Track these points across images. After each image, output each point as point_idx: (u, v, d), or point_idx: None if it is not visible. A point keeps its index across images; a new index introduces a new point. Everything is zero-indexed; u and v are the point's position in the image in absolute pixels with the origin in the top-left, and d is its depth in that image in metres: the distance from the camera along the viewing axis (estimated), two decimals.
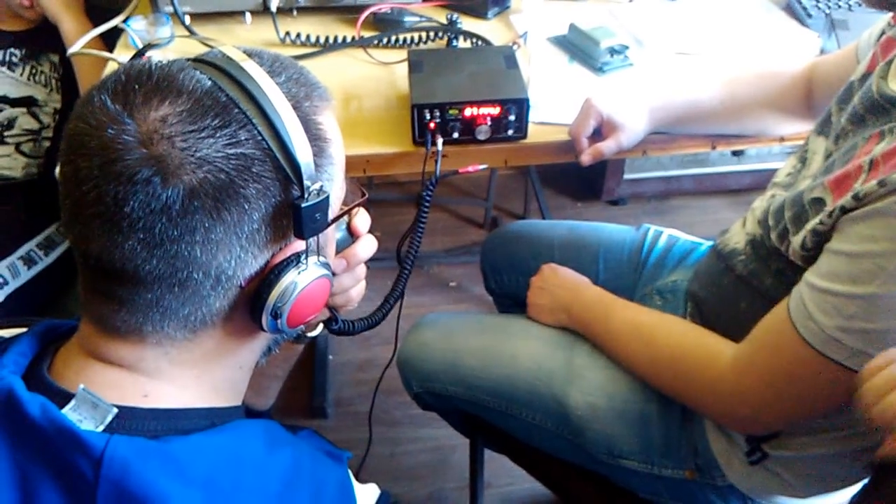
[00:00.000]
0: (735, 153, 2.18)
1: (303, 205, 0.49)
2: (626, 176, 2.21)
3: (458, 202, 2.27)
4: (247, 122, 0.47)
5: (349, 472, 0.56)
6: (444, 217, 2.23)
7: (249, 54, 0.52)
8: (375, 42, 1.26)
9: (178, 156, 0.45)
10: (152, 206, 0.45)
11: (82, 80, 1.29)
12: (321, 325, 0.76)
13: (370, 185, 2.30)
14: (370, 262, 0.78)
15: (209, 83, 0.48)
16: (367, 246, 0.70)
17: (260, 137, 0.48)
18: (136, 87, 0.47)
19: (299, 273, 0.52)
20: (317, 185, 0.50)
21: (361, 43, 1.26)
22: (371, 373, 1.76)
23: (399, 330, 1.10)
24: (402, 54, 1.21)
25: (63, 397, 0.48)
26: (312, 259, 0.53)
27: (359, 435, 1.62)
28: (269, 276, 0.51)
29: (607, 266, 1.12)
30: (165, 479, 0.45)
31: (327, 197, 0.51)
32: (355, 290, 0.74)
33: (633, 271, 1.10)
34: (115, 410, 0.48)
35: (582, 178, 2.32)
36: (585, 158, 1.01)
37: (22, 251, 1.28)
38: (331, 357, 1.78)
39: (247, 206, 0.47)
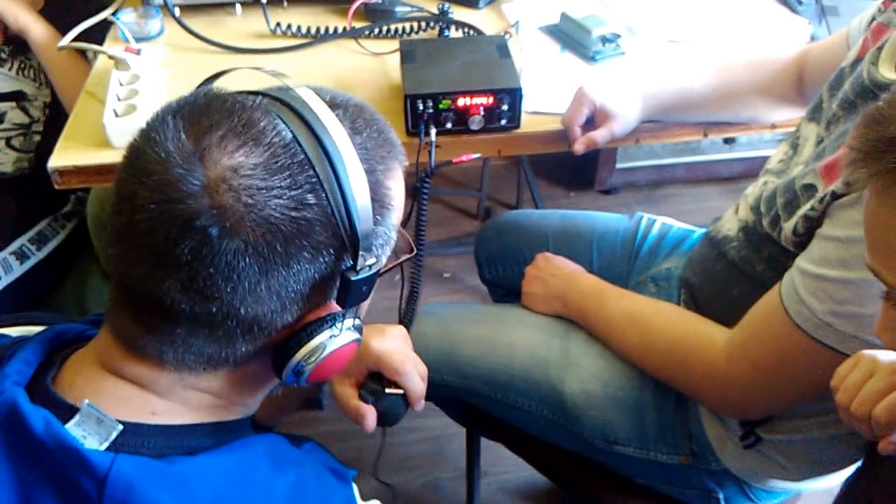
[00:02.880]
0: (726, 141, 2.18)
1: (352, 277, 0.48)
2: (619, 165, 2.21)
3: (451, 193, 2.27)
4: (318, 186, 0.46)
5: (354, 489, 0.55)
6: (437, 208, 2.23)
7: (334, 105, 0.50)
8: (367, 32, 1.26)
9: (242, 211, 0.44)
10: (203, 255, 0.44)
11: (61, 77, 1.27)
12: None
13: None
14: None
15: (289, 136, 0.46)
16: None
17: (326, 203, 0.46)
18: (212, 124, 0.46)
19: (331, 336, 0.51)
20: (371, 261, 0.49)
21: (353, 34, 1.25)
22: None
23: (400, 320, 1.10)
24: (394, 44, 1.20)
25: (67, 411, 0.47)
26: (347, 323, 0.52)
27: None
28: (300, 333, 0.50)
29: (601, 254, 1.12)
30: (170, 501, 0.44)
31: (377, 273, 0.50)
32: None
33: (627, 259, 1.11)
34: (120, 427, 0.47)
35: (574, 167, 2.32)
36: (578, 147, 1.01)
37: (13, 246, 1.27)
38: None
39: (297, 268, 0.47)
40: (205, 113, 0.46)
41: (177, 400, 0.51)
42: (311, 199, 0.46)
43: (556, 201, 2.26)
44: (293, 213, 0.45)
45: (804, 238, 0.72)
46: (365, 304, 0.59)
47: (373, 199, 0.49)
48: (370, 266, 0.49)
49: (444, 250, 2.08)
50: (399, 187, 0.54)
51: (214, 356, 0.49)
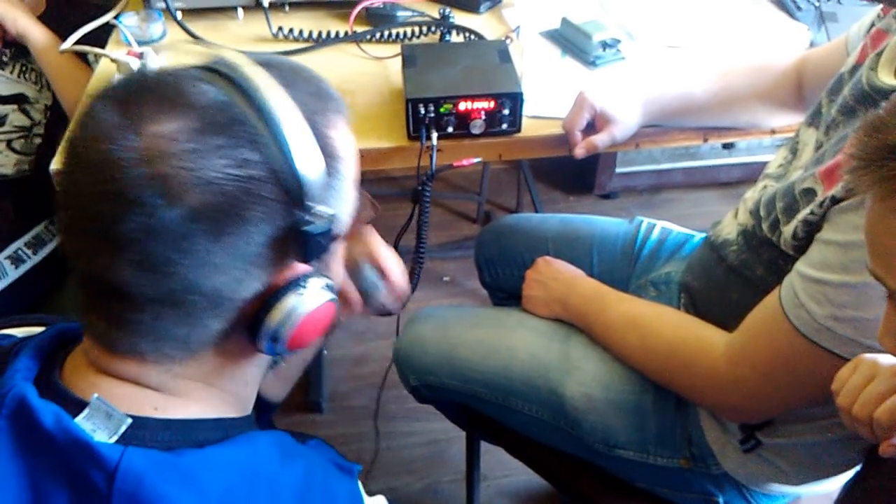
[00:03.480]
0: (725, 146, 2.19)
1: (308, 229, 0.47)
2: (618, 170, 2.22)
3: (451, 197, 2.28)
4: (257, 141, 0.45)
5: (359, 484, 0.55)
6: (436, 212, 2.23)
7: (265, 64, 0.49)
8: (368, 37, 1.26)
9: (182, 177, 0.43)
10: (151, 228, 0.44)
11: (60, 81, 1.27)
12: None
13: (362, 180, 2.30)
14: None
15: (221, 97, 0.46)
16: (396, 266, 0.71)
17: (268, 158, 0.45)
18: (143, 97, 0.45)
19: (301, 297, 0.49)
20: (324, 208, 0.48)
21: (354, 38, 1.26)
22: (366, 368, 1.77)
23: (399, 325, 1.11)
24: (395, 49, 1.21)
25: (76, 405, 0.47)
26: (315, 282, 0.50)
27: (354, 430, 1.63)
28: (268, 299, 0.49)
29: (601, 258, 1.13)
30: (180, 494, 0.44)
31: (334, 220, 0.49)
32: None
33: (627, 263, 1.11)
34: (130, 421, 0.47)
35: (573, 172, 2.32)
36: (579, 152, 1.01)
37: (9, 250, 1.27)
38: (325, 352, 1.79)
39: (250, 229, 0.46)
40: (132, 89, 0.46)
41: (173, 393, 0.50)
42: (251, 154, 0.45)
43: (555, 205, 2.26)
44: (235, 171, 0.44)
45: (804, 242, 0.72)
46: (338, 272, 0.57)
47: (316, 150, 0.48)
48: (327, 217, 0.48)
49: (443, 254, 2.08)
50: (344, 138, 0.52)
51: (189, 339, 0.48)
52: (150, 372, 0.49)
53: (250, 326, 0.50)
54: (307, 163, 0.46)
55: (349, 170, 0.53)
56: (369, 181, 2.33)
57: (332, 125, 0.51)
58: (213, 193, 0.44)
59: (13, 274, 1.26)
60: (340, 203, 0.52)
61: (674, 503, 0.96)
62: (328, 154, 0.50)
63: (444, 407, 1.15)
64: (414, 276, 0.91)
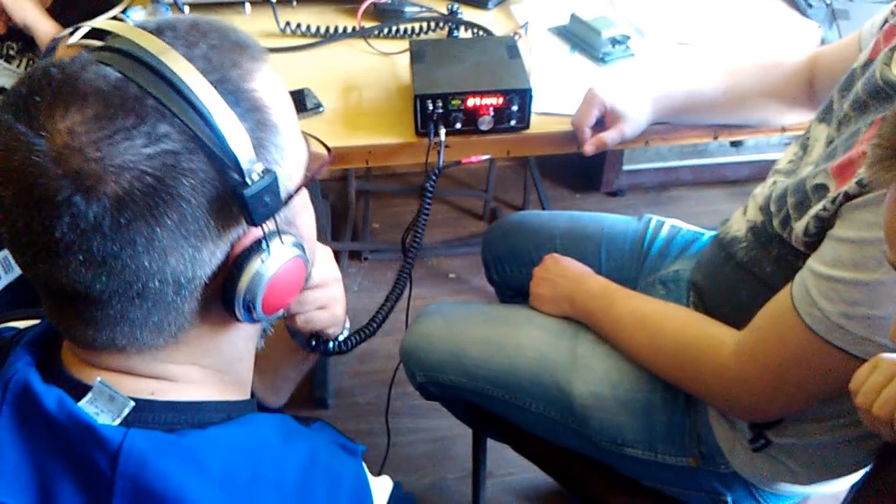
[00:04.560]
0: (734, 144, 2.18)
1: (246, 192, 0.44)
2: (625, 167, 2.21)
3: (458, 194, 2.27)
4: (164, 112, 0.43)
5: (364, 464, 0.55)
6: (443, 209, 2.23)
7: (161, 29, 0.47)
8: (376, 32, 1.26)
9: (96, 167, 0.41)
10: (81, 227, 0.42)
11: None
12: (339, 335, 0.75)
13: (368, 177, 2.29)
14: (371, 255, 0.77)
15: (115, 76, 0.43)
16: (327, 259, 0.67)
17: (183, 127, 0.43)
18: (38, 97, 0.43)
19: (263, 261, 0.48)
20: (259, 167, 0.45)
21: (362, 33, 1.25)
22: (371, 364, 1.76)
23: (407, 321, 1.10)
24: (403, 45, 1.20)
25: (79, 389, 0.47)
26: (277, 241, 0.49)
27: (359, 426, 1.63)
28: (231, 269, 0.47)
29: (610, 256, 1.12)
30: (183, 474, 0.44)
31: (275, 176, 0.46)
32: (331, 310, 0.70)
33: (636, 261, 1.11)
34: (133, 403, 0.47)
35: (581, 169, 2.31)
36: (588, 148, 1.01)
37: None
38: None
39: (185, 205, 0.43)
40: (27, 90, 0.44)
41: (168, 378, 0.50)
42: (162, 128, 0.42)
43: (562, 203, 2.26)
44: (150, 149, 0.42)
45: (815, 239, 0.72)
46: (306, 225, 0.55)
47: (239, 106, 0.45)
48: (263, 175, 0.45)
49: (449, 251, 2.08)
50: (269, 86, 0.49)
51: (164, 324, 0.47)
52: (134, 363, 0.49)
53: (223, 299, 0.49)
54: (225, 124, 0.44)
55: (283, 119, 0.49)
56: (374, 176, 2.32)
57: (252, 76, 0.48)
58: (133, 178, 0.42)
59: (18, 269, 1.25)
60: (283, 154, 0.49)
61: (682, 502, 0.95)
62: (252, 107, 0.47)
63: (450, 404, 1.14)
64: (404, 272, 0.90)
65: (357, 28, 1.26)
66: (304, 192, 0.54)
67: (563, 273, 1.03)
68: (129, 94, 0.43)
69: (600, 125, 1.02)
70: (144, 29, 0.46)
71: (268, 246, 0.48)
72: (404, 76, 1.16)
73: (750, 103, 1.05)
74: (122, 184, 0.42)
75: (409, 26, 1.27)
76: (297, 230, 0.53)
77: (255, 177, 0.45)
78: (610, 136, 1.00)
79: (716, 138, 1.11)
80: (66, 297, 0.46)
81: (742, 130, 1.11)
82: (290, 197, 0.50)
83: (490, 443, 1.22)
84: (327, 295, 0.69)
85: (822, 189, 0.72)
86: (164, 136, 0.42)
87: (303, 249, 0.52)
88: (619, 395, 0.90)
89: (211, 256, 0.46)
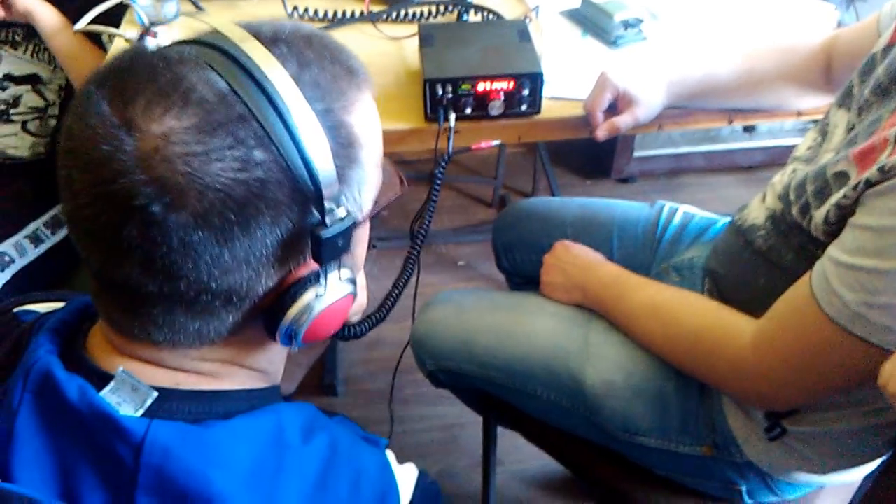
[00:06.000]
0: (746, 129, 2.15)
1: (323, 233, 0.44)
2: (636, 153, 2.19)
3: (467, 181, 2.26)
4: (263, 139, 0.41)
5: (388, 455, 0.55)
6: (451, 196, 2.21)
7: (276, 40, 0.45)
8: (385, 16, 1.24)
9: (182, 181, 0.40)
10: (152, 236, 0.41)
11: (70, 62, 1.25)
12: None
13: None
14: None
15: (222, 87, 0.42)
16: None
17: (278, 158, 0.42)
18: (137, 89, 0.41)
19: (317, 295, 0.47)
20: (342, 211, 0.44)
21: (370, 18, 1.24)
22: (380, 351, 1.76)
23: (414, 309, 1.10)
24: (412, 29, 1.19)
25: (101, 378, 0.46)
26: (334, 276, 0.48)
27: (368, 413, 1.63)
28: (284, 295, 0.47)
29: (622, 243, 1.11)
30: (208, 466, 0.44)
31: (353, 221, 0.46)
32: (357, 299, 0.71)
33: (649, 248, 1.09)
34: (156, 394, 0.46)
35: (591, 155, 2.30)
36: (601, 133, 0.99)
37: (28, 230, 1.27)
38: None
39: (259, 233, 0.43)
40: (129, 77, 0.42)
41: (193, 371, 0.49)
42: (258, 155, 0.41)
43: (572, 190, 2.24)
44: (241, 175, 0.41)
45: (835, 227, 0.70)
46: (360, 255, 0.55)
47: (335, 141, 0.44)
48: (342, 218, 0.44)
49: (458, 238, 2.07)
50: (367, 119, 0.48)
51: (203, 331, 0.47)
52: (164, 356, 0.48)
53: (267, 319, 0.48)
54: (321, 162, 0.42)
55: (371, 154, 0.49)
56: None
57: (354, 108, 0.47)
58: (217, 198, 0.40)
59: (33, 253, 1.26)
60: (361, 190, 0.49)
61: (695, 491, 0.94)
62: (348, 143, 0.46)
63: (460, 392, 1.14)
64: (410, 259, 0.89)
65: (365, 12, 1.24)
66: (367, 224, 0.53)
67: (574, 261, 1.01)
68: (233, 113, 0.41)
69: (613, 110, 1.00)
70: (258, 37, 0.45)
71: (325, 280, 0.48)
72: (413, 61, 1.14)
73: (766, 87, 1.02)
74: (204, 203, 0.40)
75: (417, 10, 1.25)
76: (351, 260, 0.52)
77: (335, 219, 0.44)
78: (622, 121, 0.98)
79: (731, 122, 1.09)
80: (114, 287, 0.45)
81: (757, 115, 1.09)
82: (355, 228, 0.49)
83: (500, 431, 1.21)
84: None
85: (842, 176, 0.70)
86: (256, 164, 0.41)
87: (355, 284, 0.51)
88: (632, 383, 0.89)
89: (267, 280, 0.46)
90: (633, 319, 0.90)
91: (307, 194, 0.43)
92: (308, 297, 0.47)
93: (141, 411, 0.46)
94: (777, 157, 2.18)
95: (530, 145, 2.35)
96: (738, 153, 2.23)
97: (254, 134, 0.41)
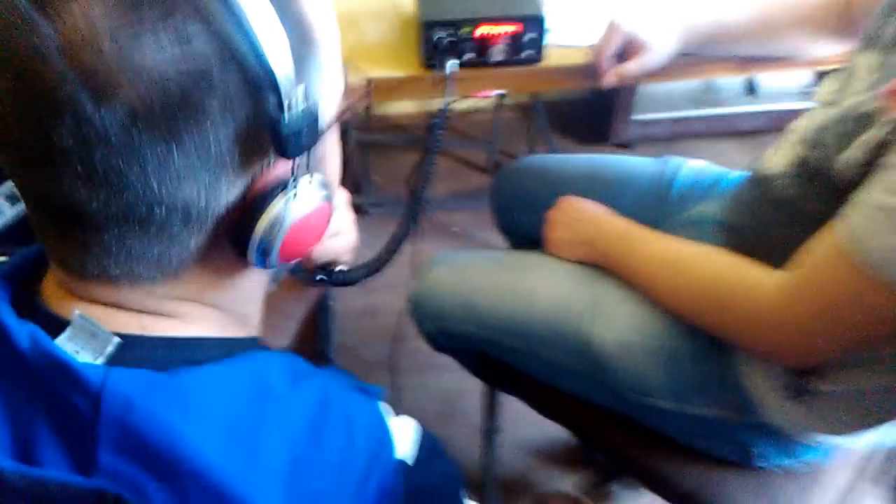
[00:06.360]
0: (749, 90, 2.10)
1: (283, 118, 0.38)
2: (634, 117, 2.13)
3: (459, 145, 2.20)
4: (199, 8, 0.36)
5: (382, 405, 0.49)
6: (445, 161, 2.15)
7: None
8: None
9: (112, 66, 0.34)
10: (84, 133, 0.35)
11: None
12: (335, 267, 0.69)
13: (368, 128, 2.22)
14: (372, 209, 0.70)
15: None
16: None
17: (218, 30, 0.36)
18: None
19: (289, 201, 0.42)
20: (300, 91, 0.38)
21: None
22: (375, 319, 1.72)
23: (410, 276, 1.05)
24: None
25: (57, 326, 0.41)
26: (306, 180, 0.43)
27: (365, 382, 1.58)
28: (251, 206, 0.41)
29: (628, 199, 1.05)
30: (176, 416, 0.39)
31: (316, 104, 0.40)
32: (344, 239, 0.65)
33: (657, 204, 1.04)
34: (118, 340, 0.41)
35: (588, 120, 2.24)
36: (608, 80, 0.94)
37: (4, 189, 1.21)
38: (332, 303, 1.73)
39: (209, 125, 0.37)
40: None
41: (162, 313, 0.44)
42: (193, 27, 0.35)
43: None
44: (177, 50, 0.35)
45: (864, 169, 0.66)
46: (334, 168, 0.50)
47: (283, 17, 0.38)
48: (304, 100, 0.39)
49: (453, 205, 2.01)
50: (316, 3, 0.43)
51: (164, 258, 0.41)
52: (127, 297, 0.43)
53: (235, 238, 0.43)
54: (267, 32, 0.36)
55: (326, 37, 0.43)
56: (375, 129, 2.24)
57: None
58: (155, 84, 0.35)
59: (9, 212, 1.20)
60: (322, 80, 0.43)
61: (706, 454, 0.90)
62: (297, 21, 0.40)
63: (461, 355, 1.09)
64: (414, 211, 0.83)
65: None
66: (336, 131, 0.48)
67: (580, 215, 0.96)
68: None
69: (622, 57, 0.95)
70: None
71: (295, 185, 0.42)
72: (407, 7, 1.07)
73: (782, 32, 0.97)
74: (139, 88, 0.35)
75: None
76: (325, 168, 0.47)
77: (295, 103, 0.38)
78: (630, 67, 0.93)
79: (745, 72, 1.04)
80: (57, 215, 0.39)
81: (773, 63, 1.04)
82: (324, 129, 0.43)
83: (501, 399, 1.17)
84: (341, 219, 0.63)
85: (868, 117, 0.65)
86: (197, 39, 0.35)
87: (329, 190, 0.45)
88: (645, 342, 0.85)
89: (229, 188, 0.40)
90: (644, 274, 0.85)
91: (259, 74, 0.37)
92: (278, 205, 0.42)
93: (102, 359, 0.40)
94: (780, 122, 2.12)
95: (526, 108, 2.29)
96: (740, 117, 2.18)
97: (185, 3, 0.36)
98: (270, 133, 0.39)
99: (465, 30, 0.94)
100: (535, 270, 0.95)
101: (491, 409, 1.17)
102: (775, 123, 2.14)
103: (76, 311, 0.41)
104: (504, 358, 0.97)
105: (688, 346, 0.84)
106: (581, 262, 0.94)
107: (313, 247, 0.47)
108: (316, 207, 0.44)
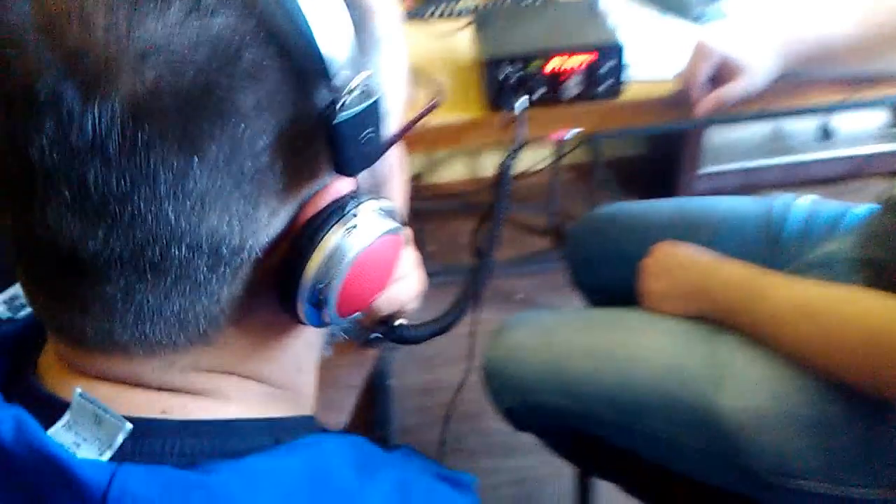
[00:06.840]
0: (824, 134, 1.97)
1: (338, 117, 0.28)
2: (703, 170, 2.02)
3: (516, 210, 2.11)
4: None
5: (478, 500, 0.38)
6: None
7: None
8: (430, 13, 1.12)
9: (104, 49, 0.25)
10: (72, 144, 0.26)
11: None
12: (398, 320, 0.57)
13: (418, 197, 2.15)
14: (429, 279, 0.61)
15: None
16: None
17: (258, 4, 0.27)
18: None
19: (349, 231, 0.31)
20: (360, 78, 0.28)
21: (414, 15, 1.12)
22: (436, 397, 1.59)
23: (473, 348, 0.93)
24: (460, 24, 1.05)
25: (55, 409, 0.31)
26: (369, 206, 0.32)
27: (416, 423, 1.47)
28: (299, 239, 0.31)
29: (732, 245, 0.91)
30: None
31: (378, 98, 0.29)
32: (409, 283, 0.53)
33: (768, 248, 0.90)
34: (129, 426, 0.30)
35: (652, 175, 2.14)
36: (704, 107, 0.83)
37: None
38: (390, 381, 1.62)
39: (241, 129, 0.27)
40: None
41: (188, 391, 0.33)
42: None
43: None
44: (195, 25, 0.25)
45: None
46: (399, 193, 0.39)
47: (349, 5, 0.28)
48: (362, 90, 0.28)
49: (513, 270, 1.91)
50: None
51: (187, 317, 0.30)
52: (143, 367, 0.32)
53: (280, 285, 0.32)
54: (325, 6, 0.27)
55: (385, 25, 0.33)
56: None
57: None
58: (164, 69, 0.25)
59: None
60: (387, 79, 0.33)
61: None
62: (357, 3, 0.30)
63: (547, 434, 0.94)
64: (483, 264, 0.72)
65: (408, 11, 1.12)
66: (402, 148, 0.39)
67: (683, 263, 0.83)
68: None
69: (714, 83, 0.84)
70: None
71: (356, 212, 0.31)
72: (464, 56, 1.00)
73: (892, 46, 0.86)
74: (144, 77, 0.25)
75: (464, 5, 1.13)
76: (389, 192, 0.37)
77: (354, 96, 0.28)
78: (729, 92, 0.82)
79: (854, 95, 0.92)
80: (46, 263, 0.29)
81: (884, 83, 0.92)
82: (391, 141, 0.33)
83: (595, 483, 1.01)
84: (404, 260, 0.53)
85: None
86: (218, 8, 0.26)
87: (395, 218, 0.34)
88: (785, 409, 0.69)
89: (270, 218, 0.30)
90: (779, 325, 0.70)
91: (307, 62, 0.27)
92: (334, 237, 0.31)
93: (108, 453, 0.30)
94: (860, 167, 1.99)
95: (583, 169, 2.21)
96: (815, 165, 2.04)
97: None
98: (324, 139, 0.28)
99: (534, 64, 0.85)
100: (635, 329, 0.81)
101: (583, 497, 1.01)
102: (855, 169, 2.00)
103: (77, 389, 0.31)
104: (602, 435, 0.83)
105: (840, 411, 0.68)
106: (689, 317, 0.80)
107: (379, 293, 0.36)
108: (383, 241, 0.33)
